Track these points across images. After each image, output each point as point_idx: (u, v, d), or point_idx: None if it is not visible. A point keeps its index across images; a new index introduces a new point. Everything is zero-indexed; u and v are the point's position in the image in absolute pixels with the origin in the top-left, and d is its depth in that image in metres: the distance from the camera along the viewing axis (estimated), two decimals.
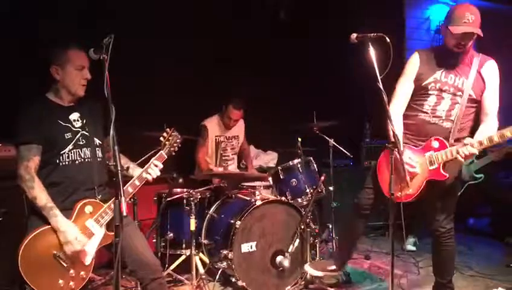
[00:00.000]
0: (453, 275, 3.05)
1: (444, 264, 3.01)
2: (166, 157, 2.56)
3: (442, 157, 2.77)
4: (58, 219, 2.30)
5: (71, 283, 2.31)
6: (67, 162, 2.43)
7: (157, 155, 2.54)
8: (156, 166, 2.51)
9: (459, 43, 2.75)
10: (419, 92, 2.90)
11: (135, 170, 2.55)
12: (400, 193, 2.73)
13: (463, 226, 5.46)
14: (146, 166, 2.50)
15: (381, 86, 2.69)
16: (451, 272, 3.03)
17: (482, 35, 2.69)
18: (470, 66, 2.85)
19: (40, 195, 2.31)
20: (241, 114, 4.51)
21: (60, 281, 2.27)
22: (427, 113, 2.88)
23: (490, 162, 4.38)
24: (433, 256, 3.03)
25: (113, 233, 2.00)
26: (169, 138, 2.57)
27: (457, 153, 2.69)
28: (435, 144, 2.83)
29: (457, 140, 2.82)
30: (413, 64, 2.92)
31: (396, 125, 2.77)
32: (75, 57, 2.43)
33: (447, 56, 2.85)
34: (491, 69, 2.87)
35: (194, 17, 4.67)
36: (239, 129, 4.70)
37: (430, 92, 2.87)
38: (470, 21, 2.69)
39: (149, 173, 2.49)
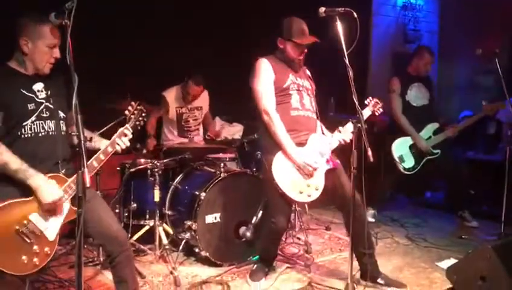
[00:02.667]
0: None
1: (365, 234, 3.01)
2: (131, 131, 2.49)
3: (331, 147, 3.03)
4: (36, 177, 2.22)
5: (35, 259, 2.24)
6: (29, 135, 2.32)
7: (121, 129, 2.45)
8: (126, 135, 2.44)
9: (302, 52, 3.06)
10: (281, 93, 3.03)
11: (101, 142, 2.47)
12: (308, 190, 2.93)
13: (420, 200, 5.69)
14: (112, 139, 2.43)
15: (347, 61, 2.73)
16: (371, 242, 3.12)
17: (318, 40, 3.00)
18: (303, 72, 3.21)
19: (11, 159, 2.21)
20: (200, 90, 4.46)
21: (24, 257, 2.20)
22: (298, 108, 3.04)
23: (446, 138, 4.54)
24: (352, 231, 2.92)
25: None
26: (135, 111, 2.50)
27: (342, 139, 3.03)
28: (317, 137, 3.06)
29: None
30: (267, 70, 3.02)
31: (280, 123, 2.93)
32: (49, 34, 2.31)
33: (291, 63, 3.10)
34: (308, 72, 3.29)
35: None
36: (203, 100, 4.65)
37: (291, 92, 3.05)
38: (308, 32, 3.03)
39: (118, 144, 2.42)
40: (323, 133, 3.17)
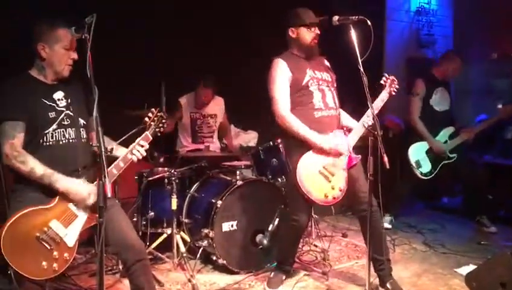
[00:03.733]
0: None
1: (381, 241, 3.03)
2: (151, 138, 2.52)
3: (354, 140, 2.99)
4: (63, 181, 2.29)
5: (55, 265, 2.29)
6: (51, 143, 2.38)
7: (142, 136, 2.50)
8: (142, 146, 2.48)
9: (316, 35, 3.01)
10: (302, 92, 2.99)
11: (119, 151, 2.52)
12: (333, 193, 2.94)
13: (437, 205, 5.64)
14: (130, 147, 2.47)
15: (361, 69, 2.74)
16: (385, 248, 3.11)
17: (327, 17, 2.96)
18: (321, 64, 3.17)
19: (36, 165, 2.28)
20: (210, 93, 4.50)
21: (44, 263, 2.25)
22: (321, 109, 2.99)
23: (462, 142, 4.51)
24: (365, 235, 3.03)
25: (96, 215, 1.99)
26: (155, 118, 2.53)
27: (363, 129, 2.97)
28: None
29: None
30: (283, 71, 2.98)
31: (297, 121, 2.92)
32: (65, 36, 2.37)
33: (308, 53, 3.07)
34: (327, 62, 3.24)
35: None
36: (217, 108, 4.69)
37: (311, 89, 2.99)
38: (313, 15, 3.02)
39: (134, 154, 2.46)
40: (342, 128, 3.09)
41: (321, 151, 2.92)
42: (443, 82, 4.63)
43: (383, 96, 3.08)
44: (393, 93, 3.13)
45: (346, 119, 3.20)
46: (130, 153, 2.46)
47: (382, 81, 3.11)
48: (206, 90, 4.46)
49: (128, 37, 4.31)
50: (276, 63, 3.01)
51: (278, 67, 3.00)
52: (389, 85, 3.11)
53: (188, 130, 4.58)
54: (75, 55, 2.43)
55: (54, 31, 2.37)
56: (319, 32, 3.04)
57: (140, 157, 2.48)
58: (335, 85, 3.15)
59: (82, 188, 2.33)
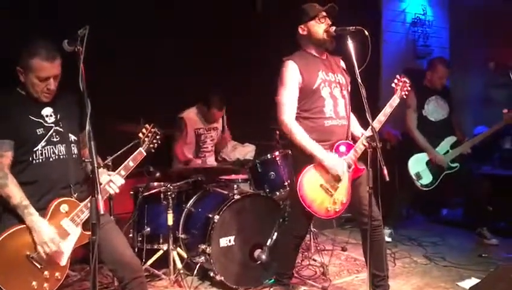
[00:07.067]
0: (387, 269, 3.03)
1: (381, 256, 2.94)
2: (145, 154, 2.46)
3: (355, 156, 2.89)
4: (33, 218, 2.23)
5: (45, 285, 2.23)
6: (40, 160, 2.33)
7: (135, 153, 2.44)
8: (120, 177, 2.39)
9: (328, 26, 2.88)
10: (312, 97, 2.88)
11: (102, 176, 2.37)
12: (335, 207, 2.87)
13: (437, 217, 5.59)
14: (109, 178, 2.37)
15: (359, 80, 2.71)
16: (385, 264, 2.99)
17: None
18: (336, 64, 3.04)
19: (14, 193, 2.23)
20: (223, 113, 4.47)
21: (34, 283, 2.20)
22: (332, 118, 2.90)
23: (464, 152, 4.47)
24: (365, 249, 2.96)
25: (89, 232, 1.93)
26: (149, 134, 2.47)
27: (364, 146, 2.83)
28: (343, 149, 2.91)
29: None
30: (293, 74, 2.87)
31: (301, 130, 2.84)
32: (39, 68, 2.27)
33: (320, 48, 2.96)
34: (343, 63, 3.08)
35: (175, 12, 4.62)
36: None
37: (323, 95, 2.88)
38: (320, 7, 2.90)
39: (111, 187, 2.36)
40: (351, 139, 3.00)
41: (323, 165, 2.85)
42: (435, 91, 4.60)
43: (394, 101, 2.95)
44: (404, 97, 3.01)
45: (356, 127, 3.08)
46: (108, 185, 2.36)
47: (393, 84, 3.00)
48: (219, 113, 4.42)
49: (125, 51, 4.28)
50: (286, 66, 2.89)
51: (288, 69, 2.87)
52: (401, 88, 2.98)
53: (191, 146, 4.50)
54: (51, 86, 2.34)
55: (30, 60, 2.28)
56: (330, 22, 2.90)
57: (117, 191, 2.38)
58: (349, 88, 3.02)
59: (45, 231, 2.24)
